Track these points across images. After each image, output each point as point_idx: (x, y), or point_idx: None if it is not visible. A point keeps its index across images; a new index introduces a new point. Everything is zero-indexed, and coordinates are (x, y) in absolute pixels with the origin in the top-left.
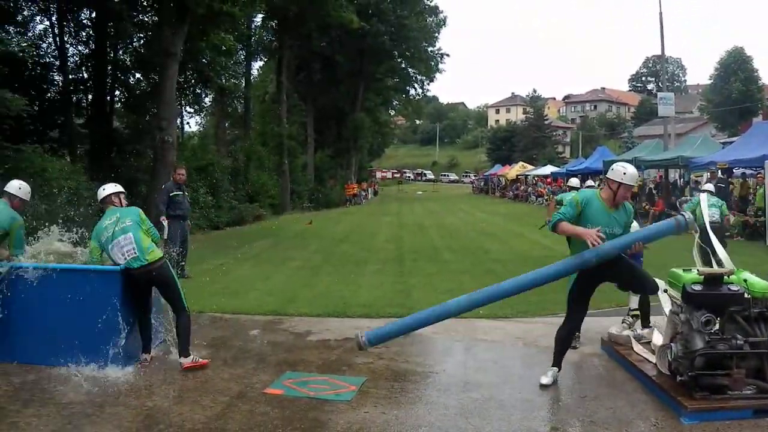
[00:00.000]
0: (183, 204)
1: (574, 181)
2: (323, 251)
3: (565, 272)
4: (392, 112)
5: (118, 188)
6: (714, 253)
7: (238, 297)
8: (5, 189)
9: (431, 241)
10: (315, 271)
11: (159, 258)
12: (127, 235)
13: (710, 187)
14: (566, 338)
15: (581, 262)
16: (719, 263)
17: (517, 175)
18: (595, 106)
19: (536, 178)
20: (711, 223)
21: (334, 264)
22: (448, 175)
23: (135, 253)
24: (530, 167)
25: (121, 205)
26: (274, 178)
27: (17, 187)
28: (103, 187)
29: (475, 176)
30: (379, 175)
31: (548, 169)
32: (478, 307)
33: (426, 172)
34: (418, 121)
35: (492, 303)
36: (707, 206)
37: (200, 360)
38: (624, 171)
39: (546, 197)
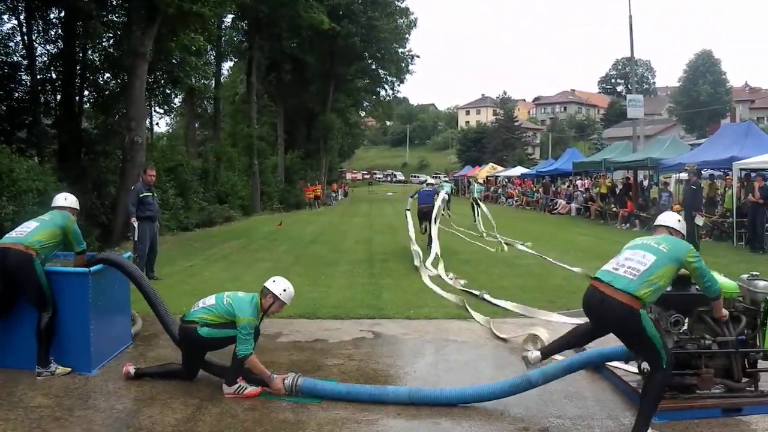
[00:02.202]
0: (153, 205)
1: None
2: (293, 252)
3: (509, 393)
4: (363, 113)
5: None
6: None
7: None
8: (54, 204)
9: (401, 242)
10: (285, 272)
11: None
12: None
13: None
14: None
15: (527, 384)
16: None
17: (487, 176)
18: (565, 108)
19: (506, 180)
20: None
21: (304, 265)
22: (418, 176)
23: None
24: (500, 168)
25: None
26: (244, 179)
27: (63, 198)
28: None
29: (446, 178)
30: (349, 176)
31: (518, 171)
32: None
33: (396, 173)
34: (388, 123)
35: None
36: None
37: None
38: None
39: (516, 198)
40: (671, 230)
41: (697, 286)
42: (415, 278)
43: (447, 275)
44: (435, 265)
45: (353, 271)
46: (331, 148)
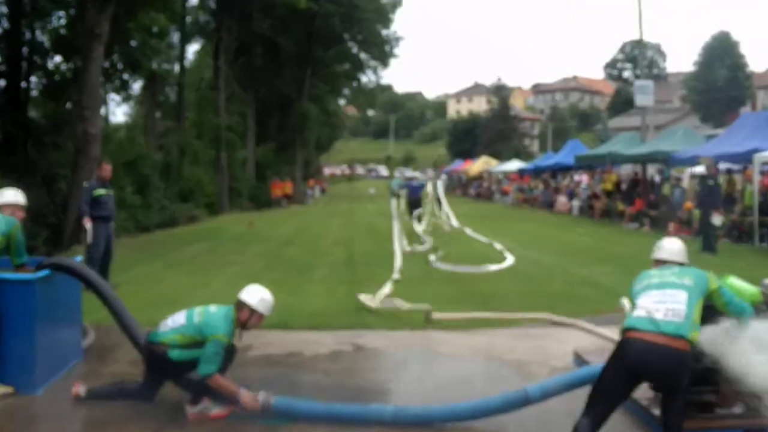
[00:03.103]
0: (108, 204)
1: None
2: (266, 255)
3: (504, 409)
4: (342, 102)
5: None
6: None
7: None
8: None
9: (385, 243)
10: (256, 278)
11: None
12: None
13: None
14: None
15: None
16: None
17: (480, 172)
18: (566, 96)
19: (501, 175)
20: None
21: (277, 269)
22: (403, 171)
23: None
24: (495, 162)
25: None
26: (210, 175)
27: (11, 195)
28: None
29: (434, 172)
30: (327, 171)
31: (515, 165)
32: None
33: (379, 167)
34: (370, 112)
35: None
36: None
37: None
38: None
39: (512, 195)
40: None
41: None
42: (402, 281)
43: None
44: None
45: (332, 276)
46: (307, 139)
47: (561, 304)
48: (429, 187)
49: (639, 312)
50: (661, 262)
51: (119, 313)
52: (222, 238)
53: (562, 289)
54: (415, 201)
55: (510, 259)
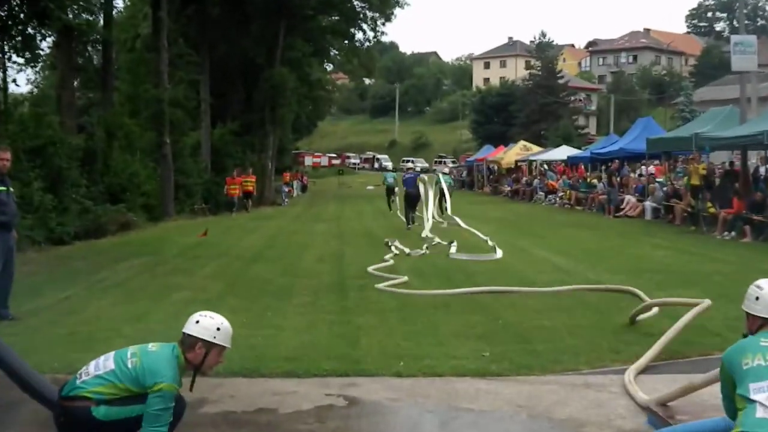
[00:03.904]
0: (8, 205)
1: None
2: (225, 276)
3: None
4: (329, 67)
5: None
6: None
7: (92, 348)
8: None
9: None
10: (212, 307)
11: None
12: None
13: (446, 170)
14: None
15: None
16: None
17: (517, 162)
18: (635, 57)
19: (545, 166)
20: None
21: (241, 295)
22: (412, 161)
23: None
24: (536, 149)
25: None
26: (149, 167)
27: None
28: None
29: (453, 163)
30: (309, 161)
31: (563, 152)
32: None
33: (380, 156)
34: (368, 81)
35: None
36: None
37: None
38: None
39: (561, 193)
40: None
41: None
42: (410, 311)
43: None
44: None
45: (315, 304)
46: (282, 118)
47: (631, 342)
48: (426, 179)
49: (760, 412)
50: (764, 323)
51: (7, 361)
52: (165, 252)
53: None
54: (411, 196)
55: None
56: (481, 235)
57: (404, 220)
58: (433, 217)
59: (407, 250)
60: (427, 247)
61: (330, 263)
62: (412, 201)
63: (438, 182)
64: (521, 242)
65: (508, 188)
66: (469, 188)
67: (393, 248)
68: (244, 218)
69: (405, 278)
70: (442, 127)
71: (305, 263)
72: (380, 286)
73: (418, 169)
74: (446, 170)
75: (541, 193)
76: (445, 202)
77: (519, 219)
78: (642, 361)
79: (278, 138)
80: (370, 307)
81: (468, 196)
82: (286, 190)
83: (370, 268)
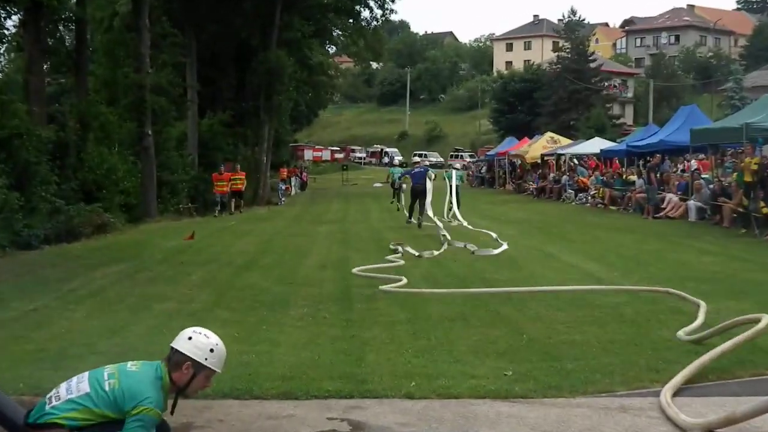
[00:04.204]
0: None
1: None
2: (214, 285)
3: None
4: (332, 49)
5: None
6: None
7: (63, 366)
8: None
9: (398, 266)
10: (200, 320)
11: None
12: None
13: (457, 165)
14: None
15: None
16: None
17: (543, 156)
18: (677, 38)
19: (575, 161)
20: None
21: (232, 307)
22: (425, 155)
23: None
24: (565, 142)
25: None
26: (128, 161)
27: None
28: None
29: (471, 157)
30: (309, 155)
31: (596, 145)
32: None
33: (389, 150)
34: (375, 65)
35: None
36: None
37: None
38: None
39: (593, 191)
40: None
41: None
42: (422, 324)
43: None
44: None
45: (316, 317)
46: (278, 107)
47: (672, 360)
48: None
49: None
50: None
51: None
52: (147, 257)
53: (673, 336)
54: (419, 191)
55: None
56: (487, 231)
57: (406, 213)
58: (448, 216)
59: (416, 252)
60: (446, 242)
61: (333, 270)
62: (420, 195)
63: (449, 177)
64: (548, 247)
65: (533, 186)
66: (489, 186)
67: (400, 250)
68: (234, 219)
69: (404, 280)
70: (459, 117)
71: (305, 270)
72: (385, 287)
73: (426, 163)
74: (458, 165)
75: (570, 191)
76: (451, 198)
77: (545, 221)
78: (678, 379)
79: (274, 129)
80: (378, 320)
81: (488, 194)
82: (283, 187)
83: (355, 270)
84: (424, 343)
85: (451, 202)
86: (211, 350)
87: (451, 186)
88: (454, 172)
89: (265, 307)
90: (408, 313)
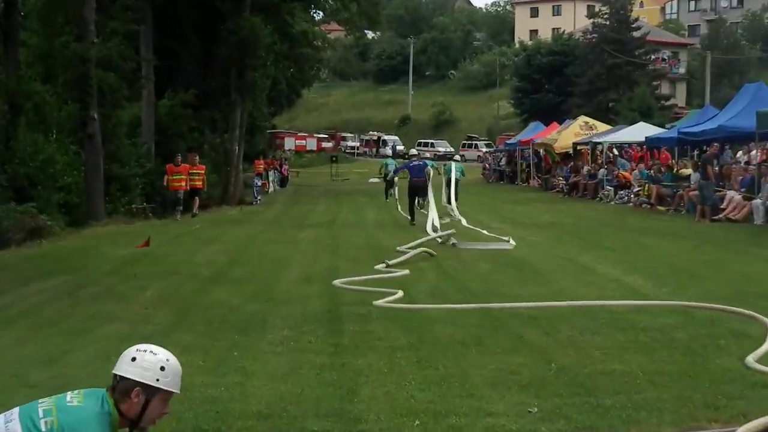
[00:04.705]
0: None
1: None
2: (175, 302)
3: None
4: (318, 15)
5: None
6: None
7: None
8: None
9: (398, 279)
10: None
11: None
12: None
13: (458, 157)
14: None
15: None
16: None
17: (576, 145)
18: (740, 1)
19: (615, 151)
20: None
21: (196, 329)
22: (433, 144)
23: None
24: (603, 128)
25: None
26: (70, 151)
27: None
28: None
29: (488, 147)
30: (290, 143)
31: (640, 132)
32: None
33: (388, 137)
34: (371, 35)
35: None
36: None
37: None
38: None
39: (637, 188)
40: None
41: None
42: (428, 350)
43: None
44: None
45: (299, 341)
46: (253, 85)
47: (735, 396)
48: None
49: None
50: None
51: None
52: (92, 269)
53: (736, 365)
54: (417, 187)
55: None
56: (486, 232)
57: (407, 216)
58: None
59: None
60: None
61: (319, 284)
62: (419, 192)
63: (449, 171)
64: (582, 257)
65: (564, 182)
66: (509, 181)
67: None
68: (199, 223)
69: (399, 293)
70: (473, 98)
71: (285, 285)
72: (379, 302)
73: (427, 155)
74: (458, 157)
75: (609, 187)
76: (449, 193)
77: (578, 224)
78: (754, 425)
79: (248, 113)
80: (374, 345)
81: (508, 192)
82: (259, 183)
83: (337, 282)
84: (430, 373)
85: (449, 198)
86: (162, 368)
87: (449, 180)
88: (453, 164)
89: (237, 330)
90: (410, 336)
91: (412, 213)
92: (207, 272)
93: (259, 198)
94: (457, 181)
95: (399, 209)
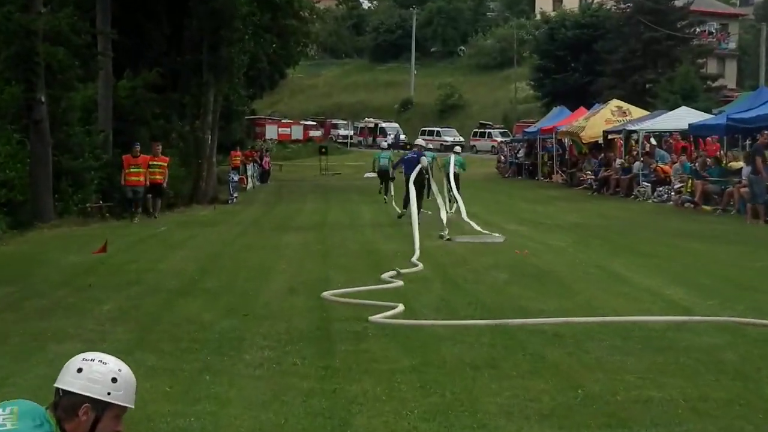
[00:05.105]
0: None
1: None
2: (136, 318)
3: None
4: None
5: None
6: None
7: None
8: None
9: (397, 289)
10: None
11: None
12: None
13: (458, 149)
14: None
15: None
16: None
17: (607, 133)
18: None
19: (653, 140)
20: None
21: (161, 349)
22: (438, 133)
23: None
24: (638, 113)
25: None
26: (12, 141)
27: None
28: None
29: (504, 135)
30: (273, 132)
31: (683, 118)
32: None
33: (386, 125)
34: (367, 4)
35: None
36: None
37: None
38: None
39: (679, 184)
40: None
41: None
42: (433, 373)
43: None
44: None
45: (282, 363)
46: (229, 64)
47: None
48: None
49: None
50: None
51: None
52: (39, 279)
53: None
54: (414, 182)
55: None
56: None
57: (398, 210)
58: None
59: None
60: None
61: (306, 297)
62: (416, 188)
63: (446, 164)
64: (614, 264)
65: (593, 177)
66: (529, 176)
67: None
68: (165, 225)
69: (400, 307)
70: (486, 79)
71: (266, 297)
72: (376, 318)
73: (422, 142)
74: (458, 148)
75: (645, 183)
76: (450, 188)
77: (610, 226)
78: None
79: (223, 96)
80: (371, 368)
81: (527, 188)
82: (236, 179)
83: (327, 294)
84: (435, 401)
85: (451, 192)
86: (114, 379)
87: (448, 175)
88: (452, 157)
89: (209, 350)
90: (413, 358)
91: (405, 205)
92: (174, 283)
93: (235, 196)
94: (456, 176)
95: (394, 205)
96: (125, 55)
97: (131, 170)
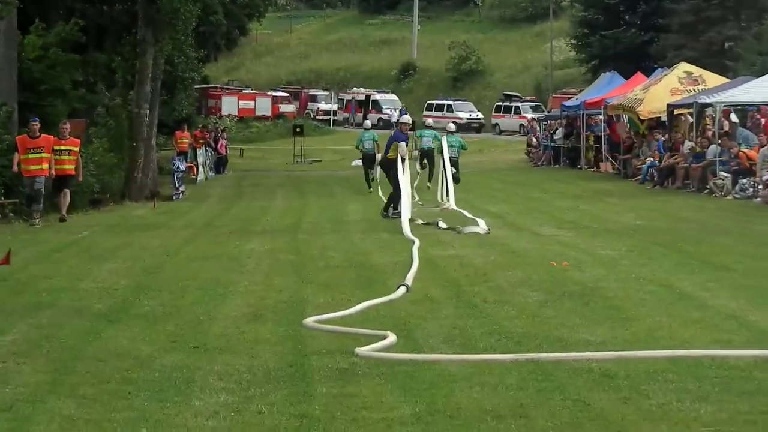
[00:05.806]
0: None
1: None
2: (47, 351)
3: None
4: None
5: None
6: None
7: None
8: None
9: (394, 306)
10: (20, 417)
11: None
12: None
13: (452, 126)
14: None
15: None
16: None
17: (673, 108)
18: None
19: (734, 116)
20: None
21: (82, 393)
22: (450, 108)
23: None
24: (716, 81)
25: None
26: None
27: None
28: None
29: (535, 111)
30: (230, 106)
31: None
32: None
33: (380, 97)
34: None
35: None
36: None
37: None
38: None
39: None
40: None
41: None
42: (441, 425)
43: None
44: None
45: (244, 412)
46: (174, 16)
47: None
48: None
49: None
50: None
51: None
52: None
53: None
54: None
55: None
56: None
57: (383, 198)
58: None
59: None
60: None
61: (276, 324)
62: (384, 169)
63: (439, 145)
64: (683, 282)
65: (652, 166)
66: (569, 164)
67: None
68: (87, 229)
69: (392, 337)
70: (512, 36)
71: (222, 324)
72: (363, 350)
73: (407, 118)
74: (452, 126)
75: (724, 174)
76: (446, 173)
77: (677, 231)
78: None
79: (165, 58)
80: (361, 417)
81: (566, 179)
82: (183, 167)
83: (309, 321)
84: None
85: (446, 177)
86: None
87: (443, 158)
88: (445, 138)
89: (147, 394)
90: (416, 403)
91: (395, 203)
92: (100, 305)
93: (182, 190)
94: (453, 159)
95: (381, 194)
96: (34, 3)
97: (29, 156)
